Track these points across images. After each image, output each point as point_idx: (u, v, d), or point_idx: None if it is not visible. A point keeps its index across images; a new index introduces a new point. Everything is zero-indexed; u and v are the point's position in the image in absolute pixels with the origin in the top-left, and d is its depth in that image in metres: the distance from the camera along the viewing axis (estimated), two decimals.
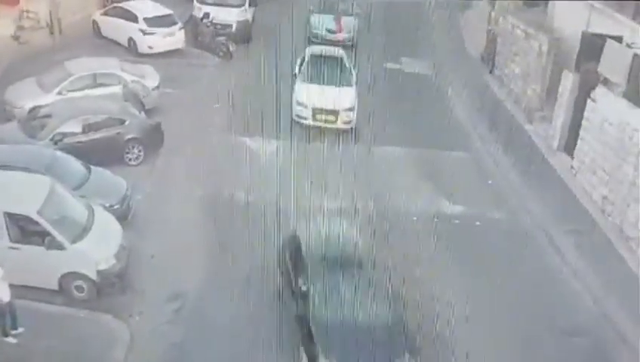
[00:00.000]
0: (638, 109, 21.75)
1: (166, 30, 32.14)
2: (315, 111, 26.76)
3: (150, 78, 27.25)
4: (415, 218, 22.03)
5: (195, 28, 34.37)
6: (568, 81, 25.85)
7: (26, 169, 18.72)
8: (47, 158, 20.12)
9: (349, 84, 27.83)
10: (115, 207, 19.55)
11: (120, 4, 33.12)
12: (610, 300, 19.14)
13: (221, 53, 32.84)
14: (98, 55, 28.51)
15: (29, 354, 15.22)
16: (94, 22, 33.65)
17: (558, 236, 21.78)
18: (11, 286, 15.46)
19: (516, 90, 31.06)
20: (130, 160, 23.11)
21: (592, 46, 25.02)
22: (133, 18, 32.15)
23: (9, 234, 16.72)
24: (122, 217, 19.29)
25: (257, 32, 34.82)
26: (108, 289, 17.25)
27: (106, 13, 33.52)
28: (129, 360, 15.79)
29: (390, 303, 16.06)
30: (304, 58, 29.30)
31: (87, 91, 25.21)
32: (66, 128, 22.10)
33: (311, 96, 26.84)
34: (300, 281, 16.46)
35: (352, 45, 34.64)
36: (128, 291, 17.63)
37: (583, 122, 24.39)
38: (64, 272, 16.92)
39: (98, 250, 17.20)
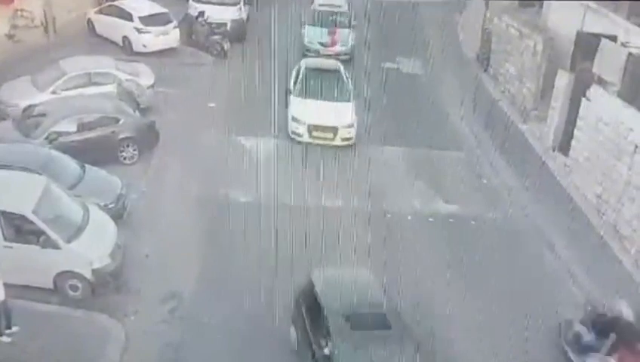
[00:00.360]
0: (632, 108, 21.80)
1: (161, 29, 32.06)
2: (312, 128, 25.31)
3: (145, 76, 27.20)
4: (410, 217, 22.08)
5: (189, 26, 34.30)
6: (563, 81, 25.88)
7: (20, 168, 18.68)
8: (42, 157, 20.08)
9: (348, 99, 26.52)
10: (110, 206, 19.50)
11: (115, 3, 33.04)
12: (604, 299, 19.13)
13: (215, 52, 32.79)
14: (93, 54, 28.44)
15: (23, 353, 15.17)
16: (89, 20, 33.55)
17: (553, 235, 21.80)
18: (6, 285, 15.42)
19: (511, 90, 31.09)
20: (124, 159, 23.07)
21: (587, 45, 25.06)
22: (128, 16, 32.05)
23: (3, 233, 16.67)
24: (117, 216, 19.25)
25: (252, 30, 34.75)
26: (103, 288, 17.22)
27: (100, 12, 33.42)
28: (124, 360, 15.75)
29: None
30: (299, 71, 27.87)
31: (81, 90, 25.15)
32: (60, 127, 22.04)
33: (307, 112, 25.48)
34: (322, 343, 14.69)
35: (350, 59, 32.88)
36: (123, 290, 17.61)
37: (578, 121, 24.43)
38: (59, 271, 16.88)
39: (93, 249, 17.16)
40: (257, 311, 17.15)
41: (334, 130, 25.34)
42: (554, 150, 26.33)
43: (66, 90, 25.00)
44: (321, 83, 26.80)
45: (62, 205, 17.92)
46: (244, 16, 35.86)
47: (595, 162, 23.28)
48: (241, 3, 35.84)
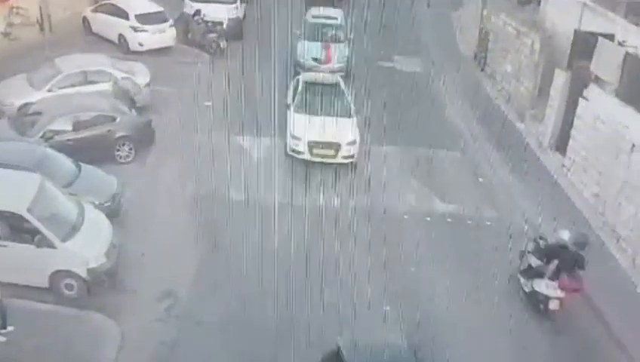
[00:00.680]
0: (629, 107, 21.77)
1: (157, 27, 32.03)
2: (312, 145, 24.09)
3: (141, 75, 27.13)
4: (406, 216, 22.04)
5: (185, 25, 34.28)
6: (560, 79, 25.87)
7: (15, 166, 18.56)
8: (38, 156, 19.98)
9: (349, 115, 25.29)
10: (106, 204, 19.44)
11: (111, 1, 32.94)
12: (601, 299, 19.12)
13: (212, 51, 32.75)
14: (89, 52, 28.37)
15: (18, 352, 15.10)
16: (85, 18, 33.51)
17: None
18: (0, 284, 15.41)
19: (508, 88, 31.09)
20: (120, 157, 23.02)
21: (584, 44, 25.03)
22: (123, 15, 32.02)
23: None
24: (113, 215, 19.17)
25: (249, 29, 34.70)
26: (98, 287, 17.14)
27: (96, 10, 33.38)
28: (120, 359, 15.69)
29: None
30: (297, 85, 26.79)
31: (77, 88, 25.10)
32: (56, 125, 21.99)
33: (307, 129, 24.01)
34: None
35: (346, 75, 30.45)
36: (119, 289, 17.53)
37: (575, 120, 24.42)
38: (54, 270, 16.81)
39: (88, 247, 17.10)
40: (254, 310, 17.08)
41: (336, 147, 24.25)
42: (551, 149, 26.31)
43: (62, 88, 24.93)
44: (320, 98, 25.67)
45: (57, 204, 17.85)
46: (240, 14, 35.86)
47: (593, 161, 23.25)
48: (238, 1, 35.83)
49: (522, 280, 19.09)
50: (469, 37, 36.81)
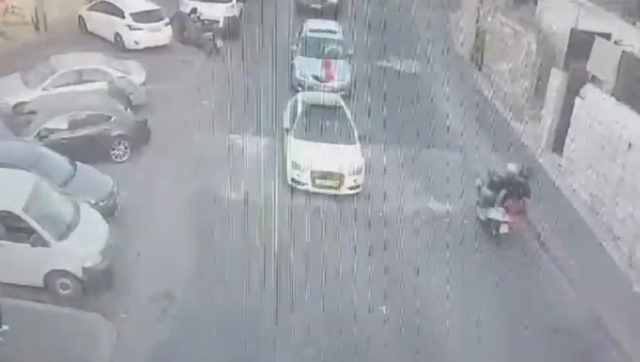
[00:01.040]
0: (626, 107, 21.75)
1: (153, 25, 32.01)
2: (315, 176, 22.39)
3: (137, 74, 27.11)
4: (402, 216, 22.01)
5: (181, 23, 34.22)
6: (557, 79, 25.85)
7: (10, 165, 18.49)
8: (33, 155, 19.92)
9: (353, 141, 23.69)
10: (101, 203, 19.35)
11: None
12: (597, 298, 19.13)
13: (208, 49, 32.70)
14: (84, 51, 28.30)
15: (13, 352, 15.00)
16: (80, 17, 33.45)
17: (546, 234, 21.74)
18: None
19: (504, 88, 31.06)
20: (116, 156, 22.96)
21: (581, 44, 25.09)
22: (119, 13, 31.98)
23: None
24: (108, 214, 19.09)
25: (246, 27, 34.62)
26: (94, 286, 17.06)
27: (92, 9, 33.34)
28: (115, 359, 15.63)
29: None
30: (295, 107, 24.94)
31: (73, 87, 25.08)
32: (51, 124, 21.94)
33: (309, 157, 22.38)
34: None
35: (348, 95, 28.68)
36: (114, 288, 17.45)
37: (572, 120, 24.41)
38: (49, 269, 16.72)
39: (84, 247, 17.02)
40: (250, 309, 17.03)
41: (340, 177, 22.52)
42: (548, 148, 26.30)
43: (57, 87, 24.94)
44: (322, 122, 23.90)
45: (53, 203, 17.78)
46: (236, 13, 35.82)
47: (589, 161, 23.24)
48: (234, 0, 35.76)
49: (479, 209, 21.88)
50: (465, 37, 36.79)
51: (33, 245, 16.40)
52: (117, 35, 31.85)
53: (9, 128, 21.89)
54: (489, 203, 21.48)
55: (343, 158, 22.66)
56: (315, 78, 29.43)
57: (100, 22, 32.68)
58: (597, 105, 23.13)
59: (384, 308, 17.69)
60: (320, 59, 30.23)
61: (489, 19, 33.53)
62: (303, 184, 22.52)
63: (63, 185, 19.07)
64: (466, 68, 34.33)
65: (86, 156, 21.02)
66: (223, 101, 25.51)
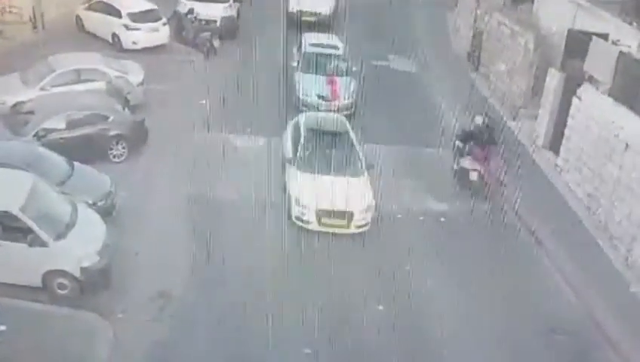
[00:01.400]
0: (623, 107, 21.79)
1: (150, 25, 32.00)
2: (321, 214, 20.40)
3: (134, 73, 27.09)
4: (400, 215, 22.02)
5: (178, 23, 34.23)
6: (554, 79, 25.88)
7: (8, 165, 18.50)
8: (31, 154, 19.92)
9: (360, 173, 21.65)
10: (99, 203, 19.36)
11: None
12: (593, 298, 19.16)
13: (205, 49, 32.69)
14: (82, 50, 28.29)
15: (11, 351, 15.03)
16: (78, 17, 33.44)
17: (543, 233, 21.78)
18: None
19: (502, 88, 31.08)
20: (114, 156, 22.95)
21: (578, 43, 25.09)
22: (117, 13, 31.98)
23: None
24: (106, 214, 19.09)
25: (243, 27, 34.66)
26: (91, 286, 17.06)
27: (89, 8, 33.30)
28: (113, 358, 15.63)
29: None
30: (297, 133, 22.75)
31: (70, 87, 25.07)
32: (49, 124, 21.93)
33: (314, 193, 20.37)
34: None
35: (352, 114, 27.23)
36: (112, 288, 17.45)
37: (569, 120, 24.42)
38: (47, 269, 16.73)
39: (81, 247, 17.03)
40: (247, 309, 17.06)
41: (349, 215, 20.55)
42: (545, 148, 26.32)
43: (55, 86, 24.92)
44: (326, 151, 21.98)
45: (50, 203, 17.78)
46: (234, 13, 35.80)
47: (586, 161, 23.26)
48: (231, 0, 35.75)
49: (453, 161, 24.30)
50: (462, 36, 36.81)
51: (31, 245, 16.40)
52: (114, 34, 31.84)
53: (7, 128, 21.88)
54: (461, 154, 23.87)
55: (352, 193, 20.48)
56: (320, 97, 27.55)
57: (97, 22, 32.66)
58: (594, 105, 23.15)
59: None
60: (323, 77, 28.40)
61: (486, 18, 33.55)
62: (308, 223, 20.53)
63: (61, 185, 19.06)
64: (464, 67, 34.33)
65: (84, 156, 21.01)
66: (221, 101, 25.52)
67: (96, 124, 22.68)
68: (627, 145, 21.15)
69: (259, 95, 24.83)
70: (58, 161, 20.22)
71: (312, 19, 36.24)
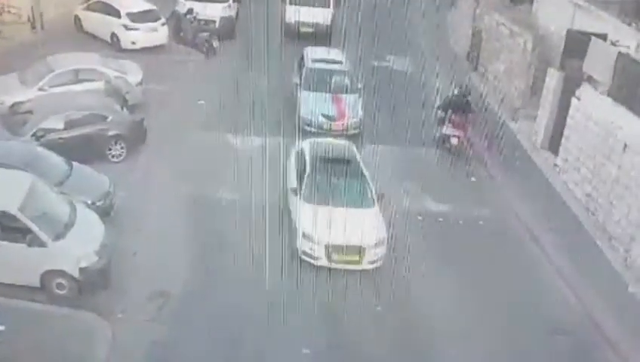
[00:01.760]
0: (622, 108, 21.80)
1: (149, 25, 31.99)
2: (331, 250, 18.82)
3: (133, 73, 27.08)
4: (398, 215, 22.00)
5: (177, 23, 34.22)
6: (553, 79, 25.88)
7: (7, 165, 18.50)
8: (29, 154, 19.92)
9: (371, 204, 20.20)
10: (98, 203, 19.36)
11: None
12: (592, 298, 19.17)
13: (204, 50, 32.68)
14: (80, 50, 28.28)
15: (9, 351, 15.02)
16: (76, 17, 33.43)
17: (541, 234, 21.78)
18: None
19: (501, 88, 31.06)
20: (112, 156, 22.95)
21: (577, 44, 25.06)
22: (115, 13, 31.98)
23: None
24: (104, 214, 19.10)
25: (242, 28, 34.63)
26: (90, 286, 17.06)
27: (88, 8, 33.30)
28: (111, 358, 15.62)
29: None
30: (303, 162, 21.19)
31: (69, 87, 25.07)
32: (47, 124, 21.93)
33: (323, 227, 18.72)
34: None
35: (359, 133, 26.30)
36: (110, 288, 17.45)
37: (568, 120, 24.42)
38: (45, 269, 16.74)
39: (80, 247, 17.02)
40: (246, 309, 17.05)
41: (360, 251, 19.01)
42: (544, 148, 26.33)
43: (54, 87, 24.93)
44: (335, 180, 20.40)
45: (49, 203, 17.77)
46: (233, 13, 35.79)
47: (585, 161, 23.26)
48: (230, 0, 35.75)
49: (435, 129, 26.59)
50: (461, 36, 36.80)
51: (29, 245, 16.40)
52: (113, 34, 31.84)
53: (5, 128, 21.90)
54: (442, 122, 26.38)
55: (363, 227, 18.94)
56: (325, 116, 26.25)
57: (96, 22, 32.66)
58: (593, 105, 23.16)
59: None
60: (328, 95, 27.01)
61: (485, 18, 33.54)
62: (316, 259, 18.98)
63: (60, 185, 19.06)
64: (462, 67, 34.31)
65: (82, 156, 21.04)
66: (220, 101, 25.51)
67: (95, 124, 22.68)
68: (626, 145, 21.16)
69: (258, 95, 24.84)
70: (57, 161, 20.22)
71: (311, 30, 35.26)
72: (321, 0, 36.59)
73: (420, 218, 21.90)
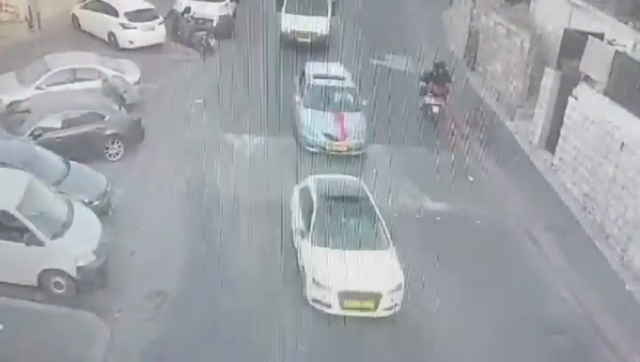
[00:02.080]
0: (619, 107, 21.84)
1: (147, 24, 31.96)
2: (344, 297, 17.25)
3: (131, 72, 27.06)
4: (396, 215, 22.00)
5: (175, 22, 34.18)
6: (550, 78, 25.91)
7: (4, 164, 18.51)
8: (27, 153, 19.91)
9: (385, 245, 18.53)
10: (95, 202, 19.36)
11: None
12: (589, 297, 19.20)
13: (202, 49, 32.65)
14: (78, 49, 28.25)
15: (7, 351, 15.01)
16: (74, 16, 33.36)
17: (539, 233, 21.82)
18: None
19: (498, 87, 31.09)
20: (110, 155, 22.94)
21: (574, 43, 25.12)
22: (113, 12, 31.92)
23: None
24: (102, 213, 19.11)
25: (240, 27, 34.58)
26: (88, 285, 17.07)
27: (85, 7, 33.22)
28: (109, 357, 15.63)
29: None
30: (309, 201, 19.46)
31: (66, 86, 25.05)
32: (45, 123, 21.90)
33: (335, 272, 17.30)
34: None
35: (363, 155, 25.39)
36: (108, 288, 17.45)
37: (565, 119, 24.46)
38: (43, 268, 16.74)
39: (78, 246, 17.03)
40: (245, 309, 17.07)
41: (376, 297, 17.46)
42: (540, 147, 26.35)
43: (51, 85, 24.90)
44: (345, 220, 19.02)
45: (46, 202, 17.76)
46: (230, 12, 35.75)
47: (582, 160, 23.30)
48: None
49: (418, 99, 28.71)
50: (458, 36, 36.82)
51: (27, 244, 16.40)
52: (111, 33, 31.79)
53: (3, 127, 21.87)
54: (424, 92, 28.64)
55: (379, 271, 17.74)
56: (328, 136, 25.02)
57: (93, 20, 32.60)
58: (590, 104, 23.19)
59: None
60: (330, 113, 25.68)
61: (482, 18, 33.56)
62: (328, 306, 17.46)
63: (57, 184, 19.05)
64: (460, 67, 34.31)
65: (80, 155, 21.02)
66: (218, 100, 25.47)
67: (93, 123, 22.66)
68: (623, 144, 21.20)
69: (257, 94, 24.78)
70: (54, 160, 20.21)
71: (308, 40, 33.56)
72: (319, 8, 34.91)
73: (418, 216, 21.91)
